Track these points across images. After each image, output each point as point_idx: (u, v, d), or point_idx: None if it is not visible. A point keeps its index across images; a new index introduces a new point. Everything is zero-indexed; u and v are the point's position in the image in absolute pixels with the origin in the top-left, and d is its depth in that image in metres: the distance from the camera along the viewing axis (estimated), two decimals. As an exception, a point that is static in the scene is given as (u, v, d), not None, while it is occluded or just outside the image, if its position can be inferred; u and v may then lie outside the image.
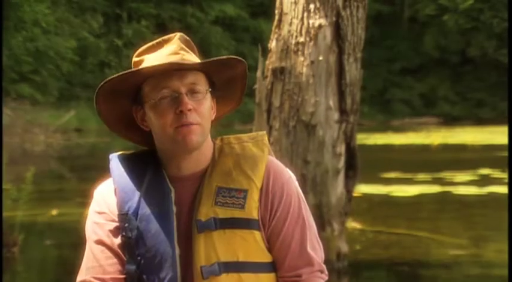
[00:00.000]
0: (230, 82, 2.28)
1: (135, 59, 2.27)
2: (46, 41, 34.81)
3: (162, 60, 2.19)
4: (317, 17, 7.30)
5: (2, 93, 20.94)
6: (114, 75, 2.19)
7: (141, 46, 2.29)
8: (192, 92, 2.18)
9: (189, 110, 2.16)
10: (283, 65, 7.33)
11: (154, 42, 2.27)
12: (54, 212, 10.95)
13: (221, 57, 2.20)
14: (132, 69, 2.20)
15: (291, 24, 7.36)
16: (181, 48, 2.24)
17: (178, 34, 2.27)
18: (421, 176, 15.50)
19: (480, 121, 40.01)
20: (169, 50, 2.22)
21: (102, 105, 2.25)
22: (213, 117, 2.26)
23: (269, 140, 7.14)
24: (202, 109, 2.19)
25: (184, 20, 41.43)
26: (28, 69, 33.42)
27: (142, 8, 40.63)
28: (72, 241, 8.61)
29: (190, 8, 41.89)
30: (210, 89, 2.23)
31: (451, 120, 41.79)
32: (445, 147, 24.70)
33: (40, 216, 10.46)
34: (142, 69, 2.19)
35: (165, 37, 2.27)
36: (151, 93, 2.19)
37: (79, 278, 2.24)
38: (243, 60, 2.23)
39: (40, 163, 17.79)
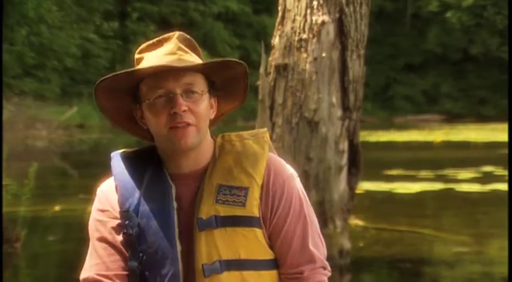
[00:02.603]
0: (232, 82, 2.27)
1: (136, 56, 2.28)
2: (50, 36, 34.79)
3: (158, 59, 2.19)
4: (320, 13, 7.30)
5: (2, 88, 20.92)
6: (109, 75, 2.19)
7: (144, 43, 2.29)
8: (188, 92, 2.17)
9: (184, 111, 2.15)
10: (286, 61, 7.32)
11: (154, 40, 2.27)
12: (57, 207, 10.97)
13: (216, 60, 2.19)
14: (126, 70, 2.19)
15: (294, 20, 7.35)
16: (179, 48, 2.23)
17: (177, 33, 2.26)
18: (424, 173, 15.48)
19: (482, 118, 39.98)
20: (167, 50, 2.22)
21: (103, 102, 2.26)
22: (212, 116, 2.25)
23: (272, 136, 7.16)
24: (199, 109, 2.18)
25: (187, 16, 41.44)
26: (31, 64, 33.41)
27: (146, 5, 40.62)
28: (74, 237, 8.62)
29: (193, 4, 41.89)
30: (209, 89, 2.22)
31: (453, 118, 41.77)
32: (448, 145, 24.68)
33: (43, 211, 10.46)
34: (135, 70, 2.19)
35: (165, 35, 2.26)
36: (147, 93, 2.19)
37: (83, 275, 2.24)
38: (241, 62, 2.21)
39: (42, 159, 17.79)
